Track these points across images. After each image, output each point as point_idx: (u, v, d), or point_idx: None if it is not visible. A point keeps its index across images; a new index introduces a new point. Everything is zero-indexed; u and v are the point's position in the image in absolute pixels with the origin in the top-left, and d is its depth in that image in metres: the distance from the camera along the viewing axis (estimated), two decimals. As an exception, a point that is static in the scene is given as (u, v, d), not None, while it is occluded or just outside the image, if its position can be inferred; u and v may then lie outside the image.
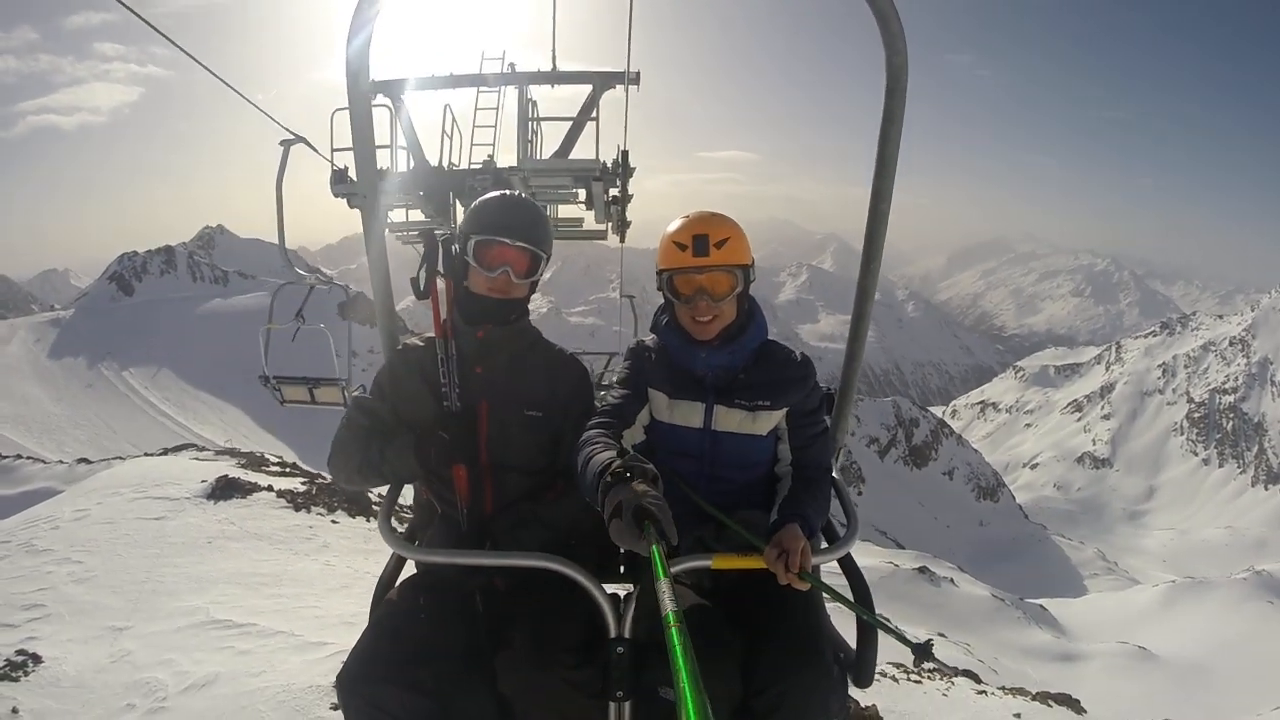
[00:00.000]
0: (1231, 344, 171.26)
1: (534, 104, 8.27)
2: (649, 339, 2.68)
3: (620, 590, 2.42)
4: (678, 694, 1.04)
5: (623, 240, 8.36)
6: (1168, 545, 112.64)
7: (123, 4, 2.90)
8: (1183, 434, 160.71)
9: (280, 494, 9.93)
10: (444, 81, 8.24)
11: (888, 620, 2.42)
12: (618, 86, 7.90)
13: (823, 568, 2.40)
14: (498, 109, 8.09)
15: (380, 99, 7.71)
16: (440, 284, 2.52)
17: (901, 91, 2.41)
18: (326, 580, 7.34)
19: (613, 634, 2.12)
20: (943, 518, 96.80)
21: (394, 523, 2.47)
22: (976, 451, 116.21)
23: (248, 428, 77.17)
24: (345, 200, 7.30)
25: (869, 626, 2.32)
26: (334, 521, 9.54)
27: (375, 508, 10.26)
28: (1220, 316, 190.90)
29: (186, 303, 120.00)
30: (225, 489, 9.71)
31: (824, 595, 2.51)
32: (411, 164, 7.96)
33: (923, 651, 2.05)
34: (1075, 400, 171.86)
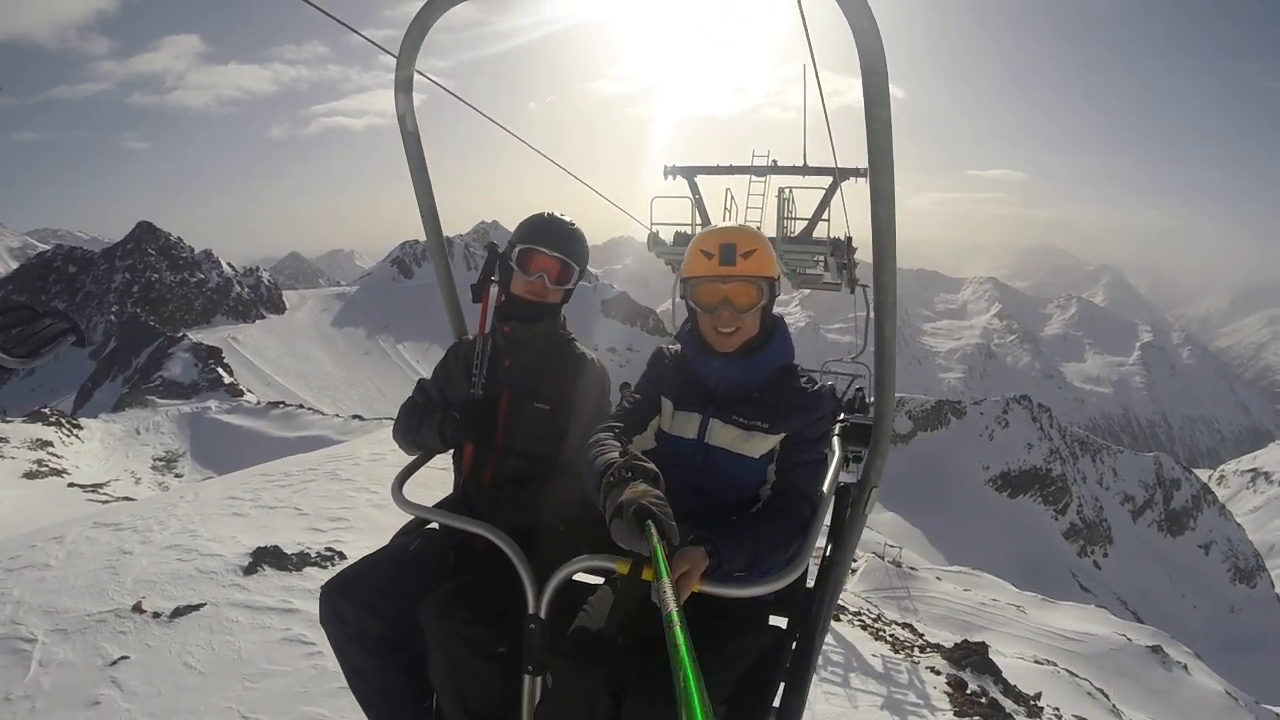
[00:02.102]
0: None
1: (790, 200, 10.81)
2: (673, 346, 2.66)
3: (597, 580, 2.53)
4: (680, 693, 1.06)
5: (853, 292, 10.53)
6: None
7: (374, 41, 3.59)
8: None
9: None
10: (725, 170, 11.08)
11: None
12: (853, 179, 10.04)
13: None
14: (764, 195, 10.86)
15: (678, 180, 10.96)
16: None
17: (879, 69, 2.02)
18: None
19: (530, 610, 2.20)
20: (1190, 595, 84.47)
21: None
22: (1240, 527, 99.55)
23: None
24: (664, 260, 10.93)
25: (799, 682, 2.36)
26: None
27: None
28: None
29: (461, 288, 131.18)
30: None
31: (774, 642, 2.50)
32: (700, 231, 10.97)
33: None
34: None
